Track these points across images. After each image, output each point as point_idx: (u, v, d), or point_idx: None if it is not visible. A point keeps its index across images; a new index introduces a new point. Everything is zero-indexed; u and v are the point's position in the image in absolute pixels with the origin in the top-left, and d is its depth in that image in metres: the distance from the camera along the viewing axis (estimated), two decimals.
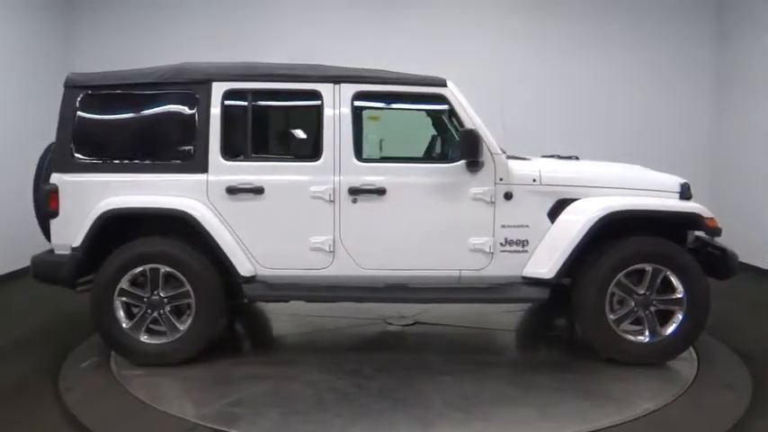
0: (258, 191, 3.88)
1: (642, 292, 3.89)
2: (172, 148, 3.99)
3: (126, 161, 3.97)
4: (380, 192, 3.89)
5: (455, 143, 4.03)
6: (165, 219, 3.88)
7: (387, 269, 3.96)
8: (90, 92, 3.97)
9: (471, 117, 3.93)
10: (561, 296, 4.13)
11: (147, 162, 3.95)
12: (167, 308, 3.91)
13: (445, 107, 4.02)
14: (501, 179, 3.93)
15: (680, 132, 7.56)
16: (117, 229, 3.92)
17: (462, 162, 3.90)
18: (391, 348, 4.46)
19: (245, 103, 3.95)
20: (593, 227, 3.80)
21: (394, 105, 4.35)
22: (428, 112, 4.48)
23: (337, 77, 3.96)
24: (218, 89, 3.92)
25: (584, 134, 7.31)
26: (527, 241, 3.95)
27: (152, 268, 3.87)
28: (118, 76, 4.03)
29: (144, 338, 3.92)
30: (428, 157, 4.60)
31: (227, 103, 3.92)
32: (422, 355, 4.22)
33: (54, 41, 7.15)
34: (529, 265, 3.94)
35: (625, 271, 3.86)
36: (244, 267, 3.89)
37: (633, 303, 3.91)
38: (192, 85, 3.93)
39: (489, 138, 3.94)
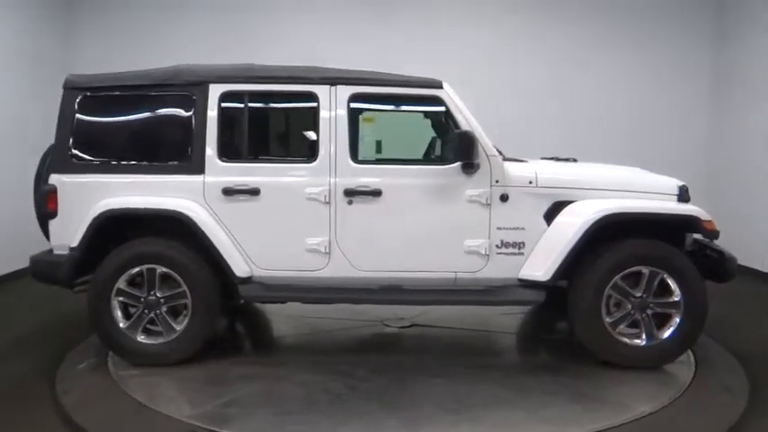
0: (254, 192, 3.90)
1: (639, 294, 3.87)
2: (169, 149, 4.02)
3: (124, 162, 4.00)
4: (376, 193, 3.90)
5: (451, 145, 4.03)
6: (163, 219, 3.91)
7: (382, 271, 3.97)
8: (89, 93, 4.01)
9: (467, 119, 3.93)
10: (559, 299, 4.11)
11: (145, 163, 3.98)
12: (164, 308, 3.93)
13: (441, 109, 4.02)
14: (497, 181, 3.92)
15: (678, 134, 7.54)
16: (115, 229, 3.95)
17: (458, 164, 3.90)
18: (387, 350, 4.46)
19: (242, 105, 3.97)
20: (589, 229, 3.79)
21: (390, 107, 4.36)
22: (426, 113, 4.47)
23: (333, 79, 3.97)
24: (215, 91, 3.94)
25: (583, 136, 7.30)
26: (523, 243, 3.93)
27: (149, 269, 3.90)
28: (116, 78, 4.06)
29: (141, 338, 3.95)
30: (428, 158, 4.61)
31: (223, 104, 3.95)
32: (417, 357, 4.21)
33: (54, 43, 7.20)
34: (525, 267, 3.93)
35: (621, 273, 3.84)
36: (239, 268, 3.91)
37: (630, 306, 3.88)
38: (189, 87, 3.96)
39: (485, 139, 3.93)
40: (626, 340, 3.90)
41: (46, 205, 3.98)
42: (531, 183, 3.95)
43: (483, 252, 3.92)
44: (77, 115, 3.99)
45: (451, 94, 3.97)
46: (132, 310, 3.98)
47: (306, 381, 3.74)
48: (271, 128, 4.53)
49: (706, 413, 3.47)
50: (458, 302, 4.09)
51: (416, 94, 4.01)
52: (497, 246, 3.93)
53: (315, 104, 3.95)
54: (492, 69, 7.38)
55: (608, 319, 3.87)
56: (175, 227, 3.89)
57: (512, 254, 3.94)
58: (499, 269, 3.94)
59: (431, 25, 7.41)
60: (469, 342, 4.65)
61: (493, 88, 7.23)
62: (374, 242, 3.94)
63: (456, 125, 3.92)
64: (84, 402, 3.52)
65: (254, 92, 4.00)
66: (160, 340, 3.94)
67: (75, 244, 3.89)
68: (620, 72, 7.49)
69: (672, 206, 3.95)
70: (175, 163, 3.96)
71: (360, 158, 4.03)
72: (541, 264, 3.87)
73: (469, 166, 3.88)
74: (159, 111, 4.04)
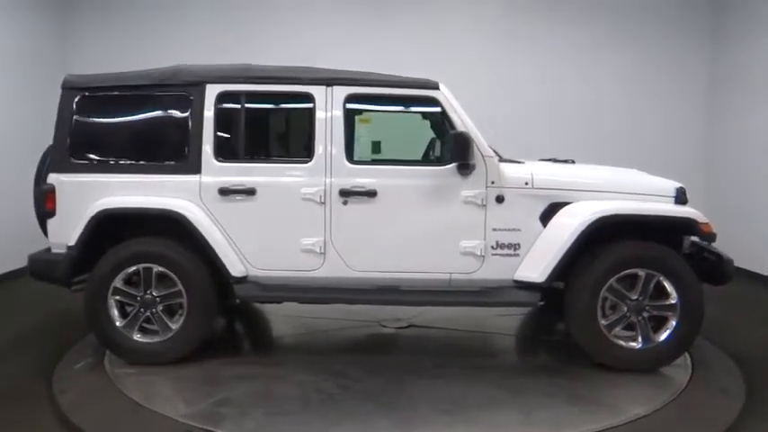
0: (250, 192, 3.91)
1: (635, 297, 3.85)
2: (166, 149, 4.03)
3: (121, 162, 4.02)
4: (371, 194, 3.90)
5: (447, 146, 4.03)
6: (159, 219, 3.92)
7: (377, 271, 3.97)
8: (87, 93, 4.03)
9: (463, 120, 3.93)
10: (558, 300, 4.10)
11: (142, 163, 4.01)
12: (160, 307, 3.95)
13: (437, 110, 4.02)
14: (492, 182, 3.92)
15: (677, 135, 7.54)
16: (112, 228, 3.97)
17: (453, 165, 3.90)
18: (383, 351, 4.46)
19: (239, 106, 3.99)
20: (584, 231, 3.77)
21: (386, 108, 4.36)
22: (425, 114, 4.48)
23: (329, 80, 3.98)
24: (212, 91, 3.96)
25: (582, 137, 7.30)
26: (518, 245, 3.93)
27: (145, 268, 3.91)
28: (114, 78, 4.08)
29: (137, 337, 3.96)
30: (425, 159, 4.61)
31: (220, 105, 3.96)
32: (413, 358, 4.22)
33: (53, 43, 7.24)
34: (520, 268, 3.92)
35: (617, 276, 3.83)
36: (235, 268, 3.92)
37: (626, 309, 3.87)
38: (187, 87, 3.97)
39: (481, 140, 3.93)
40: (621, 343, 3.88)
41: (44, 204, 4.01)
42: (526, 184, 3.94)
43: (478, 253, 3.91)
44: (75, 115, 4.01)
45: (447, 94, 3.97)
46: (129, 308, 3.99)
47: (301, 381, 3.74)
48: (267, 128, 4.56)
49: (702, 415, 3.45)
50: (453, 303, 4.09)
51: (412, 95, 4.02)
52: (493, 247, 3.93)
53: (311, 105, 3.96)
54: (491, 70, 7.39)
55: (603, 322, 3.86)
56: (172, 226, 3.91)
57: (507, 255, 3.93)
58: (494, 270, 3.93)
59: (430, 27, 7.42)
60: (466, 343, 4.64)
61: (491, 89, 7.25)
62: (369, 242, 3.94)
63: (452, 126, 3.92)
64: (80, 402, 3.53)
65: (251, 92, 4.02)
66: (156, 339, 3.95)
67: (72, 243, 3.91)
68: (619, 73, 7.48)
69: (668, 208, 3.94)
70: (172, 163, 3.97)
71: (355, 159, 4.04)
72: (537, 265, 3.86)
73: (465, 167, 3.87)
74: (157, 111, 4.07)
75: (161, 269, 3.90)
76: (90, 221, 3.87)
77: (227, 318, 5.10)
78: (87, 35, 7.44)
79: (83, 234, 3.88)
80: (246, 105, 4.01)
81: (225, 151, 3.97)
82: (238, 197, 3.92)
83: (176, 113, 4.01)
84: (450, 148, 3.86)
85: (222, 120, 3.97)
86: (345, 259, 3.95)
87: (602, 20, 7.47)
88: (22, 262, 4.20)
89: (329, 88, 3.95)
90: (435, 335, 4.74)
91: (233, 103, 3.99)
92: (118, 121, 4.14)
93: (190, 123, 3.95)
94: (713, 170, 7.48)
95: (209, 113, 3.94)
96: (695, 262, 3.98)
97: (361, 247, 3.95)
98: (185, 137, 3.96)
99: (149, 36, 7.31)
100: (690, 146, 7.54)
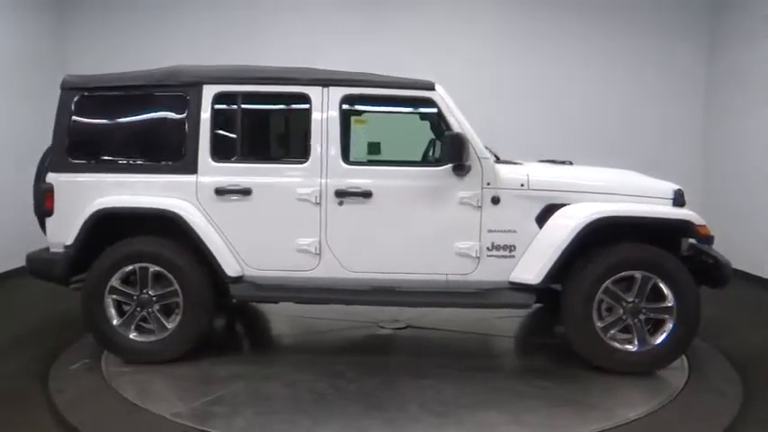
0: (246, 192, 3.93)
1: (631, 299, 3.83)
2: (163, 149, 4.05)
3: (119, 161, 4.06)
4: (366, 194, 3.90)
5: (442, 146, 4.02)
6: (156, 218, 3.94)
7: (373, 272, 3.97)
8: (85, 93, 4.07)
9: (459, 120, 3.92)
10: (557, 302, 4.06)
11: (140, 162, 4.04)
12: (156, 306, 3.97)
13: (433, 110, 4.01)
14: (488, 183, 3.91)
15: (674, 137, 7.49)
16: (111, 227, 3.99)
17: (449, 166, 3.89)
18: (379, 351, 4.46)
19: (235, 106, 4.01)
20: (580, 232, 3.75)
21: (382, 108, 4.36)
22: (423, 115, 4.47)
23: (326, 80, 3.98)
24: (209, 92, 3.98)
25: (581, 138, 7.27)
26: (514, 246, 3.91)
27: (141, 267, 3.94)
28: (112, 79, 4.11)
29: (133, 336, 3.98)
30: (426, 159, 4.60)
31: (217, 105, 3.98)
32: (409, 359, 4.22)
33: (52, 43, 7.30)
34: (516, 270, 3.91)
35: (613, 278, 3.81)
36: (231, 268, 3.94)
37: (622, 311, 3.84)
38: (184, 88, 4.00)
39: (477, 141, 3.92)
40: (617, 345, 3.86)
41: (43, 203, 4.05)
42: (522, 185, 3.93)
43: (474, 254, 3.90)
44: (74, 115, 4.05)
45: (444, 95, 3.96)
46: (126, 308, 4.01)
47: (295, 380, 3.75)
48: (263, 129, 4.57)
49: (698, 418, 3.43)
50: (448, 305, 4.08)
51: (408, 96, 4.02)
52: (488, 248, 3.91)
53: (307, 106, 3.97)
54: (490, 71, 7.38)
55: (599, 324, 3.84)
56: (168, 226, 3.93)
57: (503, 257, 3.92)
58: (490, 272, 3.92)
59: (429, 27, 7.42)
60: (463, 345, 4.63)
61: (490, 90, 7.24)
62: (364, 243, 3.95)
63: (447, 127, 3.91)
64: (77, 401, 3.54)
65: (248, 93, 4.03)
66: (152, 338, 3.98)
67: (69, 242, 3.94)
68: (618, 74, 7.45)
69: (665, 210, 3.91)
70: (169, 163, 4.00)
71: (351, 159, 4.04)
72: (532, 267, 3.85)
73: (460, 168, 3.86)
74: (154, 111, 4.10)
75: (157, 269, 3.92)
76: (87, 221, 3.90)
77: (226, 317, 5.12)
78: (87, 36, 7.49)
79: (80, 233, 3.91)
80: (243, 106, 4.02)
81: (221, 151, 3.98)
82: (234, 197, 3.93)
83: (173, 114, 4.03)
84: (446, 148, 3.85)
85: (219, 120, 3.99)
86: (341, 260, 3.95)
87: (601, 21, 7.44)
88: (22, 261, 4.23)
89: (325, 89, 3.96)
90: (433, 336, 4.73)
91: (229, 103, 4.01)
92: (116, 120, 4.17)
93: (187, 123, 3.97)
94: (712, 172, 7.43)
95: (205, 114, 3.96)
96: (693, 264, 3.94)
97: (356, 248, 3.95)
98: (182, 137, 3.98)
99: (149, 36, 7.35)
100: (688, 147, 7.51)
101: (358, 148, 4.59)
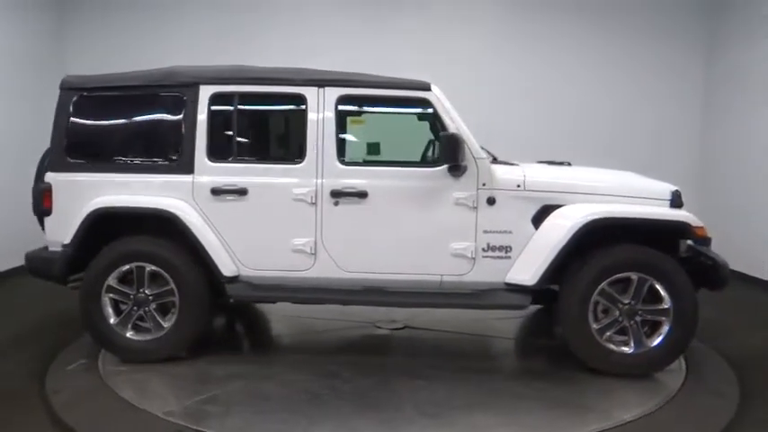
0: (242, 192, 3.94)
1: (627, 301, 3.81)
2: (160, 149, 4.07)
3: (117, 161, 4.07)
4: (362, 195, 3.90)
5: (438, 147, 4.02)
6: (152, 218, 3.96)
7: (368, 272, 3.97)
8: (84, 94, 4.09)
9: (455, 121, 3.92)
10: (555, 304, 4.06)
11: (138, 162, 4.06)
12: (152, 305, 3.99)
13: (429, 111, 4.01)
14: (484, 184, 3.90)
15: (672, 138, 7.47)
16: (110, 227, 4.01)
17: (444, 166, 3.88)
18: (375, 352, 4.45)
19: (231, 107, 4.02)
20: (576, 233, 3.74)
21: (378, 109, 4.36)
22: (420, 115, 4.46)
23: (321, 81, 3.99)
24: (206, 92, 3.99)
25: (578, 139, 7.25)
26: (510, 247, 3.91)
27: (138, 266, 3.95)
28: (111, 79, 4.13)
29: (130, 335, 4.00)
30: (424, 160, 4.59)
31: (213, 105, 3.99)
32: (405, 360, 4.21)
33: (51, 44, 7.33)
34: (511, 271, 3.90)
35: (609, 279, 3.79)
36: (227, 267, 3.95)
37: (618, 313, 3.83)
38: (181, 88, 4.01)
39: (473, 142, 3.92)
40: (613, 347, 3.84)
41: (42, 203, 4.07)
42: (518, 186, 3.92)
43: (469, 255, 3.90)
44: (73, 115, 4.07)
45: (440, 95, 3.96)
46: (123, 307, 4.04)
47: (291, 380, 3.76)
48: (260, 129, 4.57)
49: (695, 419, 3.42)
50: (444, 305, 4.07)
51: (404, 96, 4.01)
52: (484, 249, 3.91)
53: (303, 106, 3.97)
54: (489, 72, 7.38)
55: (595, 326, 3.82)
56: (165, 225, 3.94)
57: (498, 257, 3.91)
58: (485, 273, 3.91)
59: (429, 28, 7.42)
60: (460, 346, 4.62)
61: (489, 91, 7.24)
62: (360, 243, 3.95)
63: (443, 127, 3.91)
64: (72, 402, 3.54)
65: (244, 93, 4.04)
66: (149, 337, 3.99)
67: (67, 241, 3.97)
68: (616, 75, 7.43)
69: (661, 211, 3.89)
70: (166, 163, 4.02)
71: (347, 160, 4.04)
72: (528, 268, 3.84)
73: (456, 169, 3.86)
74: (152, 111, 4.12)
75: (154, 268, 3.94)
76: (85, 220, 3.92)
77: (225, 316, 5.13)
78: (86, 36, 7.52)
79: (78, 232, 3.94)
80: (239, 106, 4.03)
81: (217, 151, 3.99)
82: (230, 197, 3.94)
83: (171, 114, 4.04)
84: (442, 149, 3.85)
85: (215, 120, 4.00)
86: (336, 260, 3.95)
87: (599, 22, 7.43)
88: (21, 260, 4.25)
89: (321, 89, 3.97)
90: (430, 337, 4.73)
91: (226, 103, 4.02)
92: (114, 120, 4.19)
93: (184, 124, 3.99)
94: (710, 173, 7.40)
95: (202, 114, 3.97)
96: (691, 266, 3.92)
97: (351, 248, 3.95)
98: (179, 137, 3.99)
99: (149, 36, 7.37)
100: (686, 148, 7.49)
101: (355, 149, 4.58)
